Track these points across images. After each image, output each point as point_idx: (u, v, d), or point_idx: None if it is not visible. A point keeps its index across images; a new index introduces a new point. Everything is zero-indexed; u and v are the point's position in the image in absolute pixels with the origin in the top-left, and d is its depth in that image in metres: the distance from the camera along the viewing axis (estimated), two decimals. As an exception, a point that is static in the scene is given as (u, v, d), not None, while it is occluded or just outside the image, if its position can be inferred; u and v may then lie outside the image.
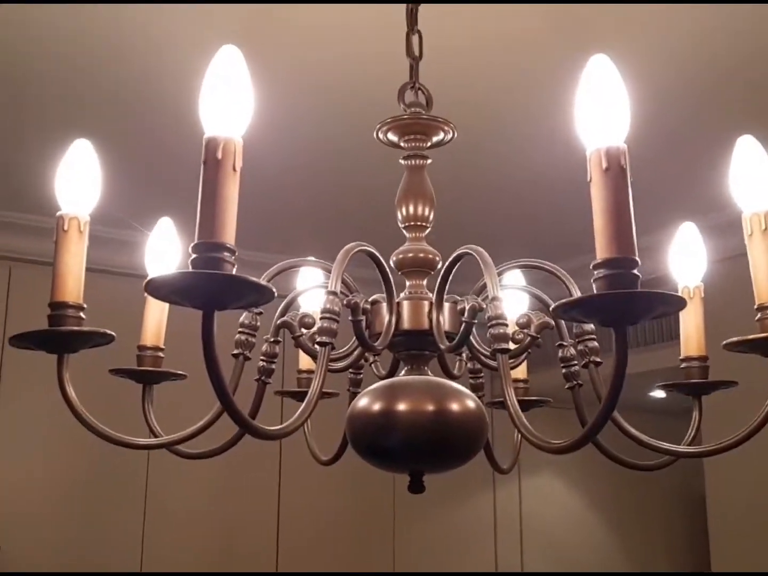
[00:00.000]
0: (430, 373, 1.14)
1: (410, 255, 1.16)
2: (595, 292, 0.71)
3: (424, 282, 1.16)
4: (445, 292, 1.10)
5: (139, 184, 2.86)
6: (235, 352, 1.13)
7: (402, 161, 1.21)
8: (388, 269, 1.10)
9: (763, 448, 2.96)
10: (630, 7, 1.88)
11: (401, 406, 1.03)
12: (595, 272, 0.71)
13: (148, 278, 0.73)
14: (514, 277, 1.27)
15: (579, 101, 0.76)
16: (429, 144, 1.20)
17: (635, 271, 0.71)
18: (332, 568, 3.73)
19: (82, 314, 0.96)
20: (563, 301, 0.71)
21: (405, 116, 1.18)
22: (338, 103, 2.35)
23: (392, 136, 1.20)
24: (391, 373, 1.21)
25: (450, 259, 1.09)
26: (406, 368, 1.15)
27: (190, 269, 0.71)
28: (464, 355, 1.25)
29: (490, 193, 3.01)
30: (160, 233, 1.22)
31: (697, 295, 1.14)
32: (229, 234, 0.73)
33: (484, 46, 2.06)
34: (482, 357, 1.11)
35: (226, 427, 1.09)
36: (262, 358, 1.17)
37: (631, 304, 0.70)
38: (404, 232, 1.19)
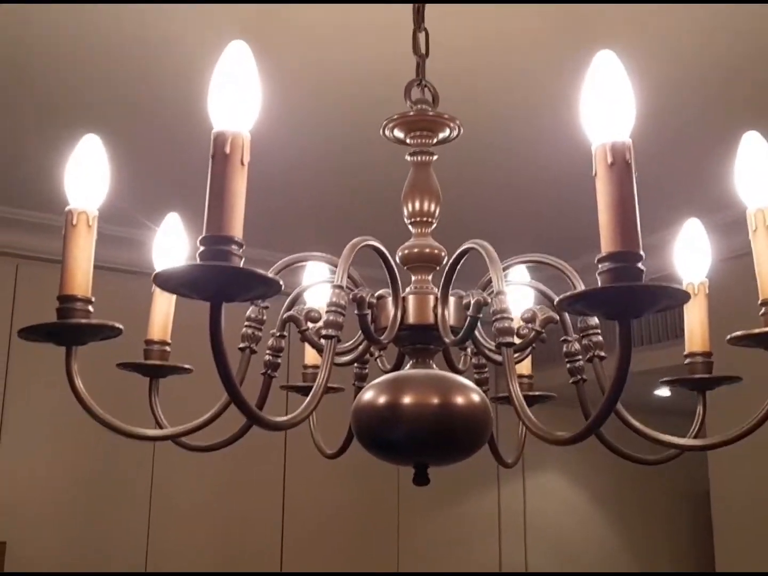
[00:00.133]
0: (435, 367, 1.15)
1: (416, 250, 1.17)
2: (599, 285, 0.71)
3: (430, 277, 1.17)
4: (451, 287, 1.11)
5: (147, 179, 2.87)
6: (242, 345, 1.13)
7: (408, 158, 1.22)
8: (393, 264, 1.11)
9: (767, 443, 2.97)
10: (633, 5, 1.88)
11: (406, 399, 1.03)
12: (600, 266, 0.72)
13: (157, 271, 0.74)
14: (519, 273, 1.27)
15: (584, 96, 0.76)
16: (435, 141, 1.21)
17: (640, 265, 0.71)
18: (336, 562, 3.74)
19: (90, 307, 0.96)
20: (568, 294, 0.71)
21: (411, 113, 1.19)
22: (343, 101, 2.36)
23: (398, 133, 1.20)
24: (396, 367, 1.22)
25: (455, 254, 1.10)
26: (411, 362, 1.16)
27: (198, 262, 0.72)
28: (469, 350, 1.26)
29: (495, 189, 3.01)
30: (168, 229, 1.23)
31: (701, 291, 1.15)
32: (236, 227, 0.74)
33: (488, 44, 2.07)
34: (487, 351, 1.11)
35: (232, 421, 1.11)
36: (268, 352, 1.17)
37: (635, 297, 0.70)
38: (410, 227, 1.20)
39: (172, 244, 1.21)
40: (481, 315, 1.04)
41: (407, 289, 1.15)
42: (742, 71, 2.20)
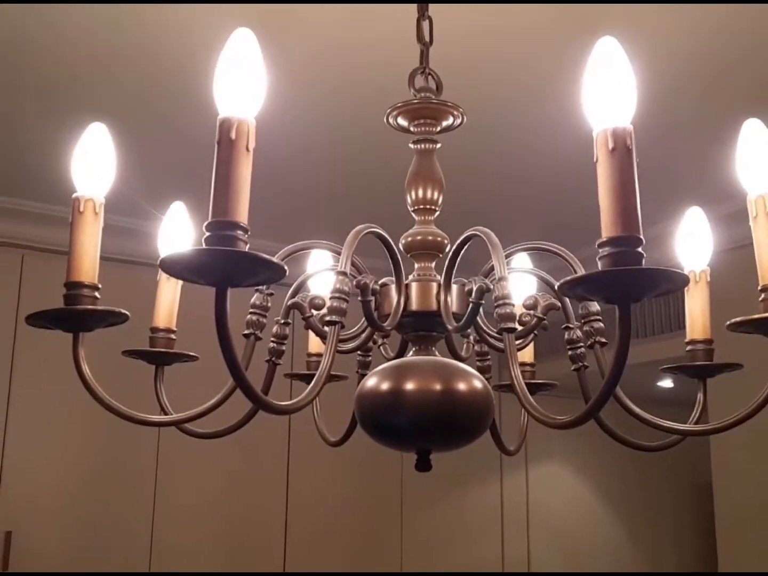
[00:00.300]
0: (437, 354, 1.16)
1: (419, 237, 1.18)
2: (599, 269, 0.72)
3: (433, 264, 1.18)
4: (453, 274, 1.12)
5: (152, 168, 2.87)
6: (247, 332, 1.14)
7: (411, 145, 1.22)
8: (397, 251, 1.12)
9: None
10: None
11: (409, 386, 1.04)
12: (600, 250, 0.73)
13: (163, 256, 0.75)
14: (522, 261, 1.28)
15: (586, 82, 0.77)
16: (438, 128, 1.22)
17: (640, 249, 0.72)
18: (339, 553, 3.76)
19: (97, 294, 0.97)
20: (568, 278, 0.72)
21: (415, 101, 1.20)
22: (348, 89, 2.37)
23: (402, 121, 1.21)
24: (400, 355, 1.23)
25: (458, 241, 1.11)
26: (414, 349, 1.17)
27: (204, 247, 0.73)
28: (471, 337, 1.27)
29: (499, 177, 3.02)
30: (173, 217, 1.24)
31: (703, 279, 1.15)
32: (242, 213, 0.75)
33: (491, 32, 2.07)
34: (489, 338, 1.12)
35: (236, 410, 1.12)
36: (272, 339, 1.19)
37: (635, 281, 0.71)
38: (413, 215, 1.21)
39: (177, 232, 1.22)
40: (483, 301, 1.05)
41: (410, 277, 1.15)
42: (744, 60, 2.20)
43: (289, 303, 1.16)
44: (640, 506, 4.90)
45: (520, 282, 1.25)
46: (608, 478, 4.78)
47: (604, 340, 1.08)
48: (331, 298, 0.99)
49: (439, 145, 1.22)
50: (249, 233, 0.75)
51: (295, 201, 3.21)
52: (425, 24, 1.27)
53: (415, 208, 1.20)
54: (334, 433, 1.36)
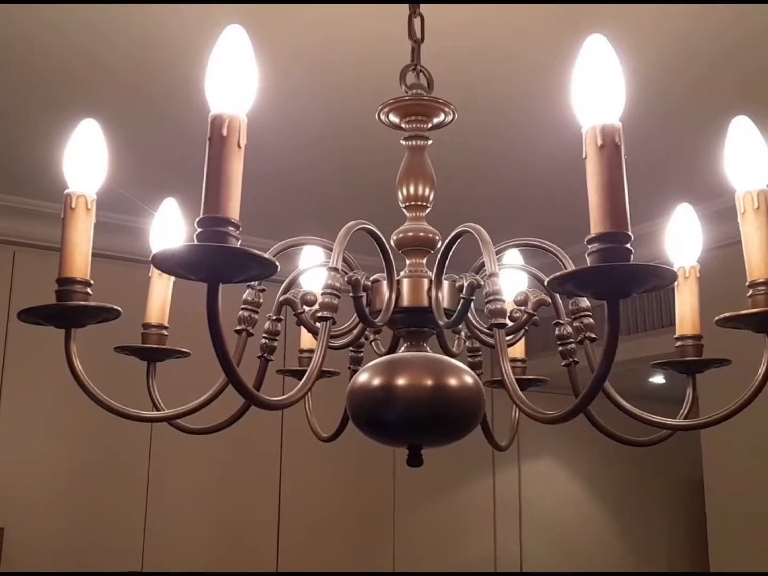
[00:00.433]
0: (429, 350, 1.16)
1: (410, 234, 1.18)
2: (588, 265, 0.72)
3: (424, 260, 1.18)
4: (445, 270, 1.13)
5: (144, 164, 2.87)
6: (238, 328, 1.15)
7: (403, 142, 1.23)
8: (388, 247, 1.13)
9: (760, 431, 2.99)
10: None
11: (400, 381, 1.05)
12: (589, 246, 0.73)
13: (155, 252, 0.75)
14: (513, 257, 1.29)
15: (575, 80, 0.78)
16: (430, 125, 1.22)
17: (628, 246, 0.72)
18: (332, 549, 3.77)
19: (89, 290, 0.98)
20: (558, 273, 0.72)
21: (406, 97, 1.20)
22: (339, 85, 2.37)
23: (393, 118, 1.22)
24: (391, 351, 1.23)
25: (449, 237, 1.11)
26: (405, 345, 1.17)
27: (195, 243, 0.73)
28: (463, 333, 1.28)
29: (490, 174, 3.02)
30: (165, 213, 1.24)
31: (692, 275, 1.16)
32: (233, 209, 0.75)
33: (482, 29, 2.08)
34: (480, 334, 1.13)
35: (228, 406, 1.12)
36: (264, 335, 1.19)
37: (623, 277, 0.72)
38: (404, 211, 1.21)
39: (169, 228, 1.22)
40: (474, 297, 1.05)
41: (402, 273, 1.16)
42: (730, 57, 2.21)
43: (281, 299, 1.16)
44: (632, 502, 4.92)
45: (511, 278, 1.26)
46: (600, 475, 4.80)
47: (593, 335, 1.08)
48: (322, 294, 0.99)
49: (430, 142, 1.22)
50: (240, 229, 0.76)
51: (287, 197, 3.21)
52: (416, 21, 1.27)
53: (407, 204, 1.20)
54: (326, 428, 1.37)
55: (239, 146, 0.77)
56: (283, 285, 1.20)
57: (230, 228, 0.74)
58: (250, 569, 3.58)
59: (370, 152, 2.70)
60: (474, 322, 1.15)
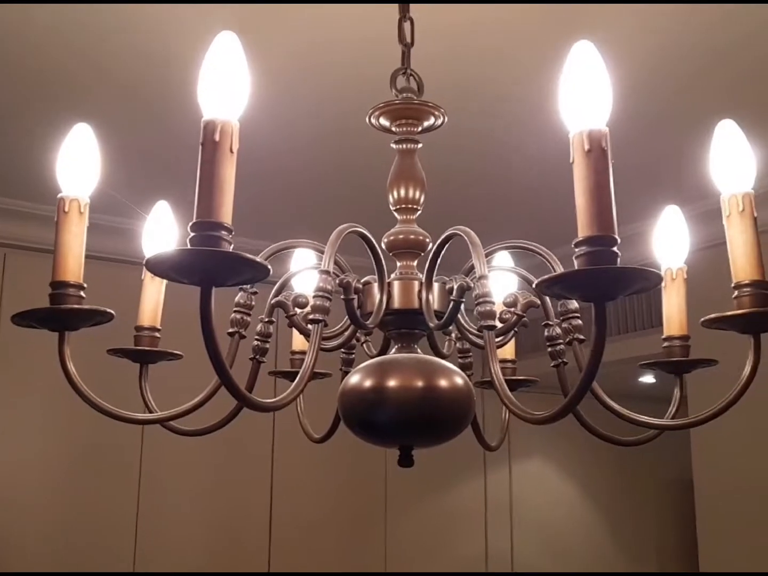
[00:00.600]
0: (419, 351, 1.17)
1: (401, 237, 1.20)
2: (576, 268, 0.74)
3: (415, 263, 1.19)
4: (435, 273, 1.14)
5: (137, 167, 2.88)
6: (231, 330, 1.16)
7: (393, 145, 1.24)
8: (379, 250, 1.14)
9: (748, 432, 3.02)
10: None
11: (391, 383, 1.06)
12: (577, 249, 0.74)
13: (148, 256, 0.76)
14: (503, 259, 1.30)
15: (562, 85, 0.79)
16: (420, 129, 1.23)
17: (615, 249, 0.74)
18: (324, 550, 3.77)
19: (82, 293, 0.98)
20: (546, 276, 0.74)
21: (396, 101, 1.21)
22: (330, 89, 2.38)
23: (384, 121, 1.23)
24: (382, 353, 1.24)
25: (439, 240, 1.13)
26: (396, 347, 1.18)
27: (189, 247, 0.74)
28: (453, 335, 1.29)
29: (480, 177, 3.04)
30: (157, 216, 1.25)
31: (680, 277, 1.17)
32: (226, 213, 0.76)
33: (474, 31, 2.09)
34: (470, 335, 1.14)
35: (220, 409, 1.13)
36: (256, 337, 1.20)
37: (610, 280, 0.73)
38: (395, 214, 1.23)
39: (161, 231, 1.23)
40: (464, 299, 1.07)
41: (392, 275, 1.17)
42: (717, 60, 2.23)
43: (273, 301, 1.17)
44: (623, 502, 4.94)
45: (501, 280, 1.27)
46: (591, 475, 4.82)
47: (582, 336, 1.10)
48: (314, 296, 1.00)
49: (420, 145, 1.24)
50: (233, 233, 0.76)
51: (278, 199, 3.21)
52: (407, 25, 1.29)
53: (397, 207, 1.21)
54: (318, 429, 1.38)
55: (231, 151, 0.78)
56: (275, 288, 1.21)
57: (223, 232, 0.75)
58: (241, 569, 3.58)
59: (362, 155, 2.71)
60: (464, 323, 1.16)
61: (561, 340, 1.14)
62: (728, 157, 0.97)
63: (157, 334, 1.21)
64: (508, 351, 1.36)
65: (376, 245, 1.13)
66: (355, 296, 1.09)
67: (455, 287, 1.06)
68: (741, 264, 0.94)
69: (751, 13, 2.00)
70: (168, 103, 2.43)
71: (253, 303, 1.18)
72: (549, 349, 1.16)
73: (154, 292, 1.23)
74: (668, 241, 1.17)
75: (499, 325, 1.04)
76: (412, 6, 1.33)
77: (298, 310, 1.15)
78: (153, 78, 2.31)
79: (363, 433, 1.11)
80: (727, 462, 3.19)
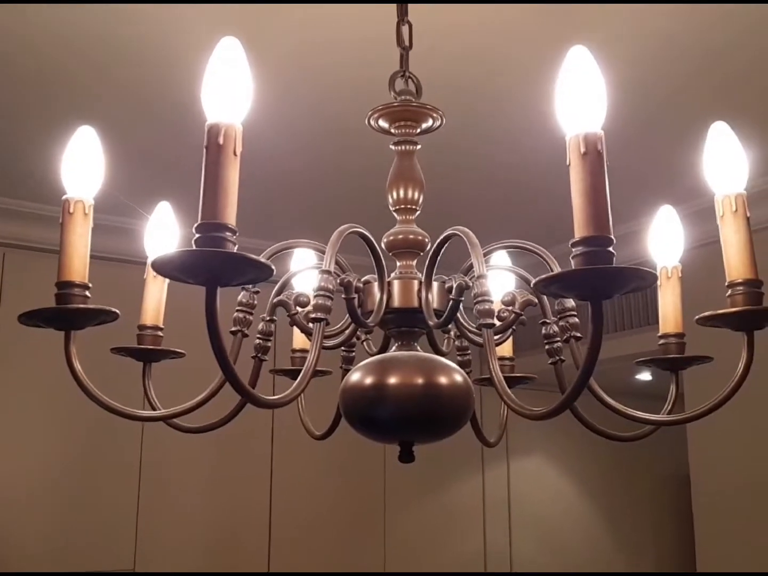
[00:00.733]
0: (419, 349, 1.19)
1: (400, 236, 1.21)
2: (573, 268, 0.76)
3: (414, 262, 1.21)
4: (434, 272, 1.16)
5: (139, 168, 2.89)
6: (234, 329, 1.17)
7: (392, 147, 1.26)
8: (379, 250, 1.16)
9: (744, 428, 3.04)
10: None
11: (392, 380, 1.08)
12: (574, 249, 0.76)
13: (154, 257, 0.78)
14: (500, 258, 1.32)
15: (558, 90, 0.81)
16: (419, 130, 1.25)
17: (611, 249, 0.76)
18: (323, 547, 3.79)
19: (87, 293, 1.00)
20: (543, 276, 0.76)
21: (395, 104, 1.23)
22: (330, 90, 2.39)
23: (383, 123, 1.25)
24: (382, 351, 1.26)
25: (438, 239, 1.14)
26: (396, 345, 1.20)
27: (194, 248, 0.76)
28: (452, 332, 1.31)
29: (478, 178, 3.05)
30: (159, 217, 1.26)
31: (674, 275, 1.19)
32: (230, 215, 0.78)
33: (469, 31, 2.10)
34: (469, 333, 1.16)
35: (218, 407, 1.15)
36: (258, 336, 1.22)
37: (606, 279, 0.75)
38: (395, 214, 1.24)
39: (163, 232, 1.24)
40: (463, 298, 1.09)
41: (392, 274, 1.19)
42: (714, 62, 2.25)
43: (274, 301, 1.19)
44: (621, 498, 4.97)
45: (499, 279, 1.29)
46: (588, 471, 4.84)
47: (579, 334, 1.12)
48: (316, 295, 1.02)
49: (419, 147, 1.25)
50: (237, 234, 0.78)
51: (278, 200, 3.23)
52: (405, 28, 1.30)
53: (397, 207, 1.23)
54: (318, 427, 1.39)
55: (235, 154, 0.79)
56: (276, 287, 1.23)
57: (227, 233, 0.77)
58: (241, 568, 3.60)
59: (361, 155, 2.73)
60: (463, 321, 1.18)
61: (558, 338, 1.16)
62: (721, 158, 0.99)
63: (160, 333, 1.23)
64: (506, 349, 1.38)
65: (376, 245, 1.15)
66: (356, 295, 1.10)
67: (454, 286, 1.08)
68: (734, 263, 0.96)
69: (745, 14, 2.02)
70: (168, 103, 2.44)
71: (256, 302, 1.19)
72: (546, 347, 1.18)
73: (156, 291, 1.24)
74: (663, 241, 1.19)
75: (497, 323, 1.06)
76: (411, 6, 1.35)
77: (299, 309, 1.16)
78: (153, 78, 2.32)
79: (364, 429, 1.13)
80: (723, 458, 3.22)
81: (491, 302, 1.01)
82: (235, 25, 1.99)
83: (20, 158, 2.85)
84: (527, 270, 1.24)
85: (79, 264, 1.00)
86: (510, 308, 1.12)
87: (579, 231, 0.76)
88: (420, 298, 1.15)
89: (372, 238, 1.15)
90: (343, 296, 1.09)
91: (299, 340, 1.41)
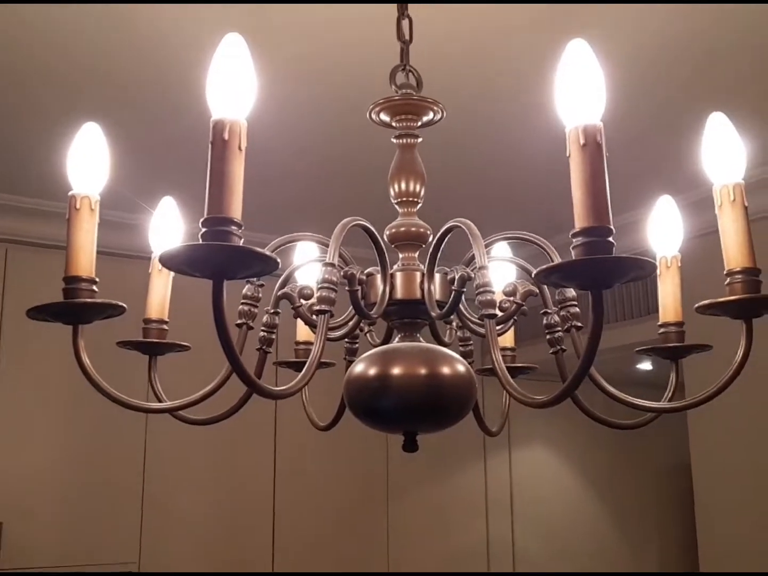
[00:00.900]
0: (422, 340, 1.21)
1: (402, 229, 1.23)
2: (573, 258, 0.77)
3: (416, 254, 1.22)
4: (436, 264, 1.17)
5: (143, 163, 2.89)
6: (239, 321, 1.19)
7: (394, 140, 1.27)
8: (382, 243, 1.17)
9: (744, 417, 3.05)
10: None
11: (395, 370, 1.09)
12: (574, 240, 0.77)
13: (161, 251, 0.79)
14: (502, 249, 1.33)
15: (558, 82, 0.82)
16: (419, 123, 1.26)
17: (610, 239, 0.77)
18: (326, 537, 3.81)
19: (94, 287, 1.01)
20: (544, 266, 0.77)
21: (396, 97, 1.24)
22: (333, 87, 2.40)
23: (384, 117, 1.26)
24: (385, 342, 1.28)
25: (440, 231, 1.16)
26: (399, 336, 1.22)
27: (200, 242, 0.77)
28: (454, 323, 1.32)
29: (479, 171, 3.06)
30: (163, 211, 1.27)
31: (674, 265, 1.21)
32: (235, 209, 0.79)
33: (468, 29, 2.11)
34: (471, 324, 1.18)
35: (222, 400, 1.16)
36: (263, 328, 1.23)
37: (606, 269, 0.76)
38: (397, 207, 1.26)
39: (167, 226, 1.25)
40: (465, 289, 1.10)
41: (395, 266, 1.20)
42: (712, 55, 2.26)
43: (279, 293, 1.20)
44: (623, 487, 4.98)
45: (500, 270, 1.30)
46: (590, 459, 4.86)
47: (579, 324, 1.13)
48: (320, 288, 1.03)
49: (420, 140, 1.27)
50: (243, 228, 0.79)
51: (281, 193, 3.24)
52: (405, 23, 1.31)
53: (399, 200, 1.25)
54: (322, 418, 1.41)
55: (240, 149, 0.80)
56: (280, 280, 1.24)
57: (233, 227, 0.78)
58: (246, 557, 3.62)
59: (364, 150, 2.74)
60: (465, 312, 1.19)
61: (559, 328, 1.18)
62: (719, 148, 1.00)
63: (166, 327, 1.24)
64: (508, 339, 1.40)
65: (379, 238, 1.16)
66: (359, 287, 1.12)
67: (456, 277, 1.09)
68: (733, 252, 0.98)
69: (745, 7, 2.03)
70: (171, 99, 2.45)
71: (260, 295, 1.21)
72: (548, 337, 1.19)
73: (161, 285, 1.26)
74: (662, 230, 1.20)
75: (499, 313, 1.07)
76: (411, 5, 1.36)
77: (303, 302, 1.18)
78: (156, 75, 2.33)
79: (368, 419, 1.14)
80: (724, 446, 3.23)
81: (493, 293, 1.03)
82: (237, 25, 2.00)
83: (22, 155, 2.86)
84: (528, 261, 1.26)
85: (85, 259, 1.01)
86: (511, 299, 1.13)
87: (579, 221, 0.78)
88: (422, 290, 1.17)
89: (375, 231, 1.16)
90: (346, 288, 1.10)
91: (303, 332, 1.42)
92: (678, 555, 5.01)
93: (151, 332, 1.23)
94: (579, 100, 0.80)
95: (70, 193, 1.03)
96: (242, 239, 0.79)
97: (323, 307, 1.01)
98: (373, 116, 1.26)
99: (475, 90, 2.42)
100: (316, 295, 1.05)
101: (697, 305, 0.99)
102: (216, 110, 0.81)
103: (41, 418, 3.32)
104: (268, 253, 0.77)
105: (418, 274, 1.18)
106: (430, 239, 1.22)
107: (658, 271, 1.18)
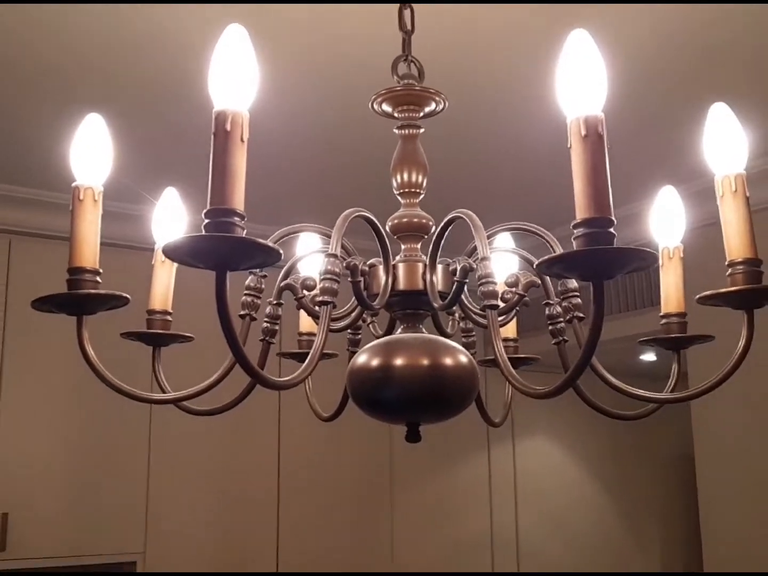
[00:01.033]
0: (424, 331, 1.21)
1: (405, 220, 1.23)
2: (575, 249, 0.77)
3: (419, 245, 1.23)
4: (438, 255, 1.17)
5: (146, 154, 2.90)
6: (242, 312, 1.19)
7: (396, 131, 1.27)
8: (384, 234, 1.17)
9: (746, 407, 3.06)
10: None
11: (398, 361, 1.10)
12: (575, 231, 0.78)
13: (165, 242, 0.79)
14: (504, 240, 1.34)
15: (559, 73, 0.82)
16: (421, 114, 1.26)
17: (611, 230, 0.77)
18: (331, 528, 3.83)
19: (98, 278, 1.02)
20: (546, 257, 0.77)
21: (398, 88, 1.24)
22: (335, 79, 2.40)
23: (386, 107, 1.26)
24: (388, 333, 1.28)
25: (442, 222, 1.16)
26: (401, 327, 1.22)
27: (204, 233, 0.77)
28: (457, 314, 1.32)
29: (482, 162, 3.06)
30: (166, 202, 1.28)
31: (676, 256, 1.21)
32: (238, 200, 0.79)
33: (470, 22, 2.11)
34: (473, 315, 1.18)
35: (226, 391, 1.17)
36: (266, 319, 1.24)
37: (608, 259, 0.76)
38: (399, 198, 1.26)
39: (170, 217, 1.26)
40: (467, 280, 1.10)
41: (397, 257, 1.21)
42: (713, 48, 2.25)
43: (281, 285, 1.20)
44: (626, 477, 5.00)
45: (502, 261, 1.30)
46: (593, 450, 4.87)
47: (581, 314, 1.13)
48: (322, 279, 1.04)
49: (422, 130, 1.27)
50: (246, 219, 0.80)
51: (284, 186, 3.24)
52: (407, 13, 1.31)
53: (401, 191, 1.25)
54: (324, 409, 1.41)
55: (242, 140, 0.81)
56: (283, 271, 1.25)
57: (236, 218, 0.78)
58: (250, 548, 3.64)
59: (366, 141, 2.74)
60: (467, 303, 1.19)
61: (561, 319, 1.18)
62: (721, 139, 1.00)
63: (169, 317, 1.24)
64: (510, 330, 1.40)
65: (381, 229, 1.17)
66: (362, 278, 1.12)
67: (458, 268, 1.10)
68: (734, 243, 0.98)
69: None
70: (174, 92, 2.45)
71: (263, 286, 1.21)
72: (550, 328, 1.19)
73: (164, 276, 1.26)
74: (664, 221, 1.20)
75: (501, 304, 1.08)
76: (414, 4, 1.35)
77: (306, 293, 1.18)
78: (159, 68, 2.33)
79: (371, 410, 1.15)
80: (727, 437, 3.24)
81: (495, 284, 1.03)
82: (242, 21, 2.00)
83: (27, 146, 2.86)
84: (530, 252, 1.26)
85: (89, 250, 1.02)
86: (513, 289, 1.13)
87: (580, 212, 0.78)
88: (425, 281, 1.17)
89: (377, 222, 1.16)
90: (349, 279, 1.11)
91: (305, 323, 1.43)
92: (681, 544, 5.02)
93: (154, 323, 1.23)
94: (580, 91, 0.80)
95: (73, 184, 1.03)
96: (245, 230, 0.79)
97: (326, 298, 1.01)
98: (375, 107, 1.26)
99: (477, 81, 2.42)
100: (318, 286, 1.05)
101: (698, 296, 1.00)
102: (218, 101, 0.81)
103: (46, 409, 3.33)
104: (270, 244, 0.78)
105: (420, 265, 1.18)
106: (433, 230, 1.22)
107: (660, 262, 1.19)
